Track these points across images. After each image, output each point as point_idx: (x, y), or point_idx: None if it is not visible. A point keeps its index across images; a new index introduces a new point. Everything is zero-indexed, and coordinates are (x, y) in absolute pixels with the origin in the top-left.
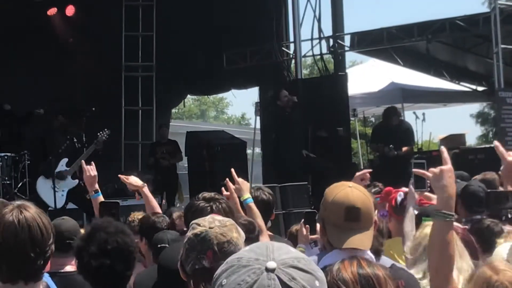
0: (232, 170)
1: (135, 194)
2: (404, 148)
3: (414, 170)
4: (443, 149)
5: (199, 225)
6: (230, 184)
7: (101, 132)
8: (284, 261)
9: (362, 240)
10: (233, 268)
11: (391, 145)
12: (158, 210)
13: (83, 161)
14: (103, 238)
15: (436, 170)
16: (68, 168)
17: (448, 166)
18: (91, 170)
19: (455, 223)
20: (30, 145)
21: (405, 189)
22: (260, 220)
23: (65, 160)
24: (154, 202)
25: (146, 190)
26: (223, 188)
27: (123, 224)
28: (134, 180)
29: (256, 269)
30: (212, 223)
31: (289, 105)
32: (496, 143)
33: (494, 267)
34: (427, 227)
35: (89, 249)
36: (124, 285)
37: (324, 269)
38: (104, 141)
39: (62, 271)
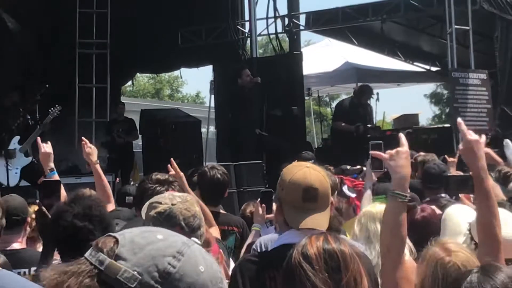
0: (172, 160)
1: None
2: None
3: (371, 152)
4: (401, 134)
5: (160, 203)
6: (174, 164)
7: (52, 109)
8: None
9: (319, 220)
10: (191, 254)
11: (359, 124)
12: (108, 188)
13: (38, 138)
14: (88, 204)
15: (392, 151)
16: (20, 146)
17: (404, 148)
18: (47, 147)
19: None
20: None
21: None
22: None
23: (17, 138)
24: (105, 181)
25: (98, 167)
26: (168, 166)
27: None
28: (90, 152)
29: (200, 248)
30: (173, 200)
31: (249, 85)
32: (459, 120)
33: (446, 248)
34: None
35: (73, 210)
36: None
37: (281, 247)
38: (52, 120)
39: (9, 248)
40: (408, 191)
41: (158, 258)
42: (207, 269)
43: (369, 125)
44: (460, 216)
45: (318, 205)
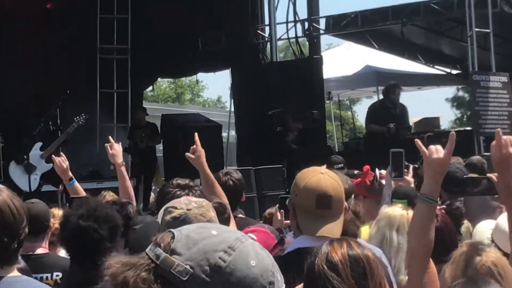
0: (196, 134)
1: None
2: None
3: (416, 141)
4: (453, 134)
5: (176, 208)
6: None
7: (77, 117)
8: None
9: (333, 229)
10: (245, 250)
11: (391, 124)
12: (131, 192)
13: (53, 156)
14: (93, 205)
15: (434, 151)
16: (42, 152)
17: (448, 152)
18: (62, 161)
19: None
20: (4, 128)
21: (384, 171)
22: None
23: (39, 144)
24: (128, 183)
25: (123, 169)
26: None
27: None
28: (115, 153)
29: (253, 243)
30: (189, 205)
31: None
32: (416, 140)
33: (476, 248)
34: (387, 209)
35: (78, 212)
36: (105, 257)
37: (297, 250)
38: (77, 128)
39: (33, 253)
40: (438, 196)
41: (210, 253)
42: (258, 263)
43: (401, 126)
44: (488, 229)
45: (332, 212)
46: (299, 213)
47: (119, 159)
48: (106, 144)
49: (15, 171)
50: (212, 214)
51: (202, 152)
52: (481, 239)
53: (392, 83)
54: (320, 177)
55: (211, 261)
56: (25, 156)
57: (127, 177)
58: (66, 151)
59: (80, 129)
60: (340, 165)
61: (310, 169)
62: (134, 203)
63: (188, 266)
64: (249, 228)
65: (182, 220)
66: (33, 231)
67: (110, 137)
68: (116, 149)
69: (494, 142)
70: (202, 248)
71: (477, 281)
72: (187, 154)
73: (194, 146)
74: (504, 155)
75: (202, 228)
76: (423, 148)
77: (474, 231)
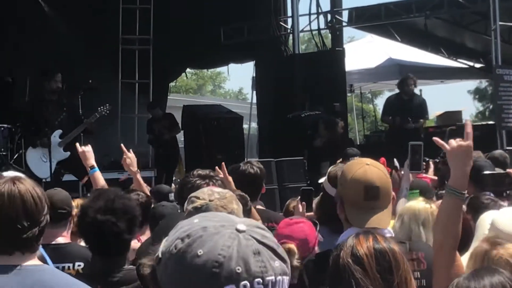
0: (223, 164)
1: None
2: (421, 121)
3: (434, 139)
4: (468, 122)
5: (198, 198)
6: (224, 168)
7: (101, 107)
8: (248, 223)
9: (382, 220)
10: (203, 238)
11: (408, 118)
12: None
13: (77, 144)
14: (110, 197)
15: (455, 144)
16: (60, 140)
17: (469, 142)
18: (84, 147)
19: None
20: (25, 116)
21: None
22: None
23: (58, 131)
24: (145, 190)
25: (139, 176)
26: (217, 168)
27: (131, 196)
28: (130, 162)
29: (230, 233)
30: (211, 196)
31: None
32: (435, 139)
33: (493, 242)
34: (410, 202)
35: (96, 205)
36: (125, 249)
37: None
38: (99, 118)
39: (54, 243)
40: (466, 188)
41: (173, 240)
42: (206, 252)
43: (409, 118)
44: (487, 223)
45: (380, 203)
46: (347, 205)
47: (134, 167)
48: (123, 153)
49: (32, 158)
50: (235, 206)
51: (231, 182)
52: (481, 233)
53: (405, 75)
54: (366, 168)
55: (170, 248)
56: (44, 139)
57: (143, 184)
58: (87, 141)
59: (101, 119)
60: (355, 157)
61: (355, 161)
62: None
63: (159, 253)
64: (292, 219)
65: (203, 211)
66: (55, 219)
67: (122, 145)
68: (131, 158)
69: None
70: (173, 235)
71: (482, 272)
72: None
73: (221, 175)
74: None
75: (192, 218)
76: (443, 142)
77: (478, 223)
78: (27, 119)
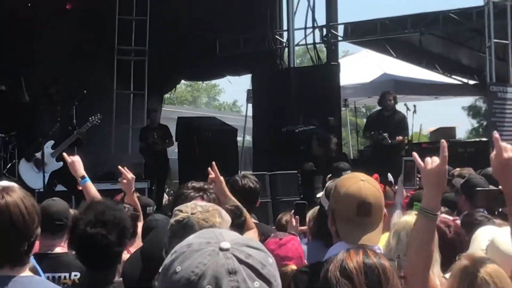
0: (214, 163)
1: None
2: (398, 138)
3: (414, 154)
4: (444, 144)
5: (181, 211)
6: (215, 167)
7: (92, 117)
8: (236, 241)
9: (372, 236)
10: (185, 255)
11: (385, 134)
12: (140, 214)
13: (65, 154)
14: (100, 209)
15: (430, 165)
16: (53, 150)
17: (444, 165)
18: (73, 157)
19: (448, 216)
20: (20, 126)
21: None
22: None
23: (51, 142)
24: (139, 209)
25: (135, 197)
26: (209, 168)
27: (122, 206)
28: (131, 181)
29: (211, 251)
30: (194, 209)
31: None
32: (496, 135)
33: (474, 260)
34: (405, 217)
35: (86, 218)
36: (115, 261)
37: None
38: (90, 128)
39: (52, 252)
40: (440, 208)
41: (168, 257)
42: (184, 269)
43: (385, 134)
44: (486, 239)
45: (372, 219)
46: (339, 220)
47: (132, 187)
48: (121, 173)
49: (25, 169)
50: (218, 219)
51: (222, 182)
52: (477, 248)
53: (385, 90)
54: (361, 184)
55: (165, 262)
56: (35, 154)
57: (138, 204)
58: (80, 151)
59: (95, 129)
60: (347, 172)
61: (350, 175)
62: (142, 219)
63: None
64: (281, 239)
65: (184, 224)
66: (52, 229)
67: (120, 167)
68: (129, 180)
69: (494, 151)
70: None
71: None
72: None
73: (212, 175)
74: (503, 160)
75: (193, 234)
76: (419, 160)
77: (474, 237)
78: (22, 128)
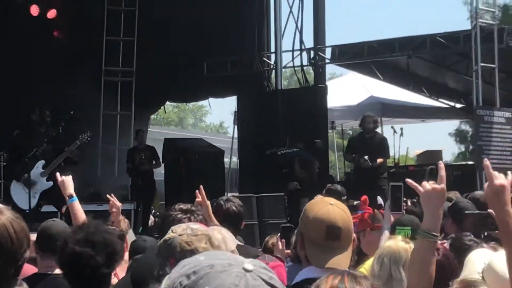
0: (201, 187)
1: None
2: (379, 160)
3: (407, 180)
4: (442, 165)
5: (171, 231)
6: (202, 191)
7: (82, 135)
8: (255, 263)
9: (341, 260)
10: (210, 275)
11: (365, 156)
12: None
13: (57, 174)
14: (91, 231)
15: (429, 186)
16: (43, 170)
17: (442, 185)
18: (64, 176)
19: None
20: (7, 146)
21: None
22: None
23: (41, 162)
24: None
25: (122, 223)
26: (197, 192)
27: (114, 229)
28: (119, 209)
29: (237, 272)
30: (184, 231)
31: None
32: (486, 162)
33: (468, 284)
34: (389, 242)
35: (76, 237)
36: (103, 284)
37: (304, 282)
38: (84, 142)
39: (51, 273)
40: (439, 231)
41: (179, 277)
42: None
43: (365, 156)
44: (481, 262)
45: (341, 243)
46: (308, 244)
47: (119, 216)
48: (110, 202)
49: (16, 190)
50: (203, 245)
51: (209, 206)
52: (472, 270)
53: (365, 113)
54: (329, 208)
55: (174, 285)
56: (26, 175)
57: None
58: (69, 171)
59: (83, 149)
60: (343, 196)
61: (318, 199)
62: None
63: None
64: (268, 264)
65: (168, 244)
66: (52, 250)
67: (108, 196)
68: (118, 208)
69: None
70: (177, 273)
71: None
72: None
73: (199, 199)
74: (495, 188)
75: (198, 255)
76: (416, 185)
77: (467, 260)
78: (12, 148)
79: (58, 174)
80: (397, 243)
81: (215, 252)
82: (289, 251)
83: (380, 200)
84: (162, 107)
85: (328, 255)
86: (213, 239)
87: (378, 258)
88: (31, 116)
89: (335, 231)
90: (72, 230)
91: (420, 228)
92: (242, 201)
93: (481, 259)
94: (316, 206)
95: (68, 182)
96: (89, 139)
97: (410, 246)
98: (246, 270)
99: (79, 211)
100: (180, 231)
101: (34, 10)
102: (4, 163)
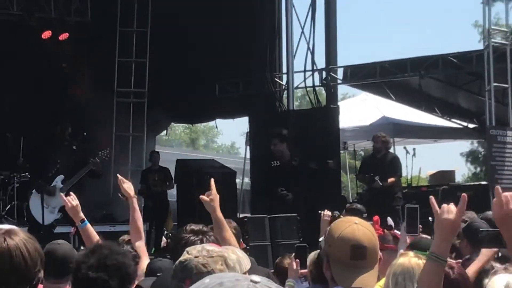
0: (212, 180)
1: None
2: (390, 180)
3: (431, 198)
4: (465, 198)
5: (187, 252)
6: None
7: (102, 151)
8: (260, 276)
9: (368, 280)
10: None
11: (377, 176)
12: (140, 224)
13: (62, 194)
14: (104, 254)
15: (446, 214)
16: (62, 185)
17: (461, 215)
18: (72, 200)
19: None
20: (27, 164)
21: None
22: None
23: (61, 177)
24: (139, 215)
25: (135, 202)
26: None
27: (127, 250)
28: (128, 186)
29: (247, 285)
30: (200, 252)
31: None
32: (498, 189)
33: None
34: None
35: (89, 261)
36: None
37: None
38: (104, 159)
39: None
40: (448, 255)
41: None
42: None
43: (376, 177)
44: (502, 284)
45: (367, 263)
46: (333, 264)
47: (132, 191)
48: (119, 178)
49: (34, 203)
50: (219, 267)
51: (216, 197)
52: None
53: (375, 133)
54: (354, 227)
55: None
56: (47, 186)
57: (138, 209)
58: (79, 193)
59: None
60: (364, 214)
61: (343, 219)
62: (143, 236)
63: None
64: None
65: (184, 266)
66: (58, 272)
67: (119, 175)
68: (129, 183)
69: (494, 200)
70: None
71: None
72: (201, 196)
73: (210, 190)
74: (505, 212)
75: (202, 279)
76: (436, 206)
77: (489, 284)
78: (34, 163)
79: (66, 200)
80: (409, 260)
81: (219, 273)
82: (303, 271)
83: (390, 221)
84: (168, 129)
85: (354, 275)
86: (228, 260)
87: (392, 276)
88: (54, 130)
89: (361, 250)
90: (85, 254)
91: (430, 250)
92: (254, 222)
93: (501, 282)
94: (341, 225)
95: (78, 207)
96: (108, 156)
97: (423, 261)
98: (255, 282)
99: (92, 233)
100: (195, 253)
101: (46, 34)
102: (18, 184)
